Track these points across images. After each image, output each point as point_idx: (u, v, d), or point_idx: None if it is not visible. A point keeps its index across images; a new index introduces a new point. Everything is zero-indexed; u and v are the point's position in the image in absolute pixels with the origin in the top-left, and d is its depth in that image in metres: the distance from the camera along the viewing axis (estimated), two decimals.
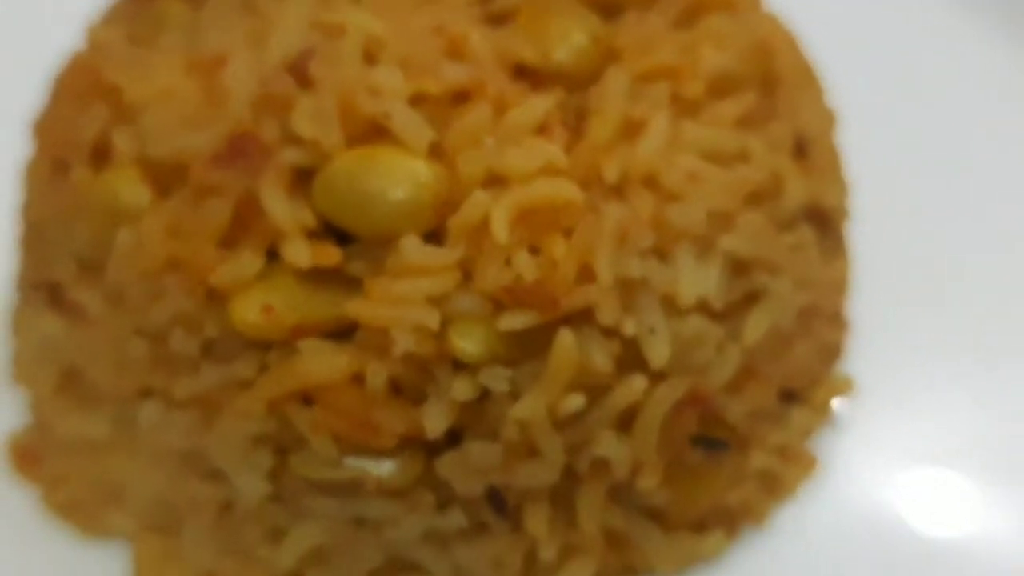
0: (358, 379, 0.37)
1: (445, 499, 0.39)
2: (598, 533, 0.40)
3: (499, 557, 0.40)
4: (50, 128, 0.44)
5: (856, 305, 0.51)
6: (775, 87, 0.44)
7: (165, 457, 0.40)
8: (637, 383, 0.38)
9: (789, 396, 0.44)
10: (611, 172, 0.39)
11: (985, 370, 0.51)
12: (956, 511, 0.47)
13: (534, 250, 0.38)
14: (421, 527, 0.39)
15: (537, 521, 0.40)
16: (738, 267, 0.40)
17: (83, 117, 0.42)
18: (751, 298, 0.41)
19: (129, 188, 0.40)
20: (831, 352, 0.47)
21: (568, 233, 0.38)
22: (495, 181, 0.38)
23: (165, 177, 0.40)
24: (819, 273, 0.44)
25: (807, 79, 0.47)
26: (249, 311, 0.37)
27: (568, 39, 0.41)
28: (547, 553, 0.40)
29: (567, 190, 0.38)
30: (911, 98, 0.57)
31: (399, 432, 0.37)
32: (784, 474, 0.45)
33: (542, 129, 0.39)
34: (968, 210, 0.55)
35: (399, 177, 0.38)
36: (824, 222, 0.45)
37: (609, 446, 0.39)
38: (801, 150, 0.43)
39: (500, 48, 0.41)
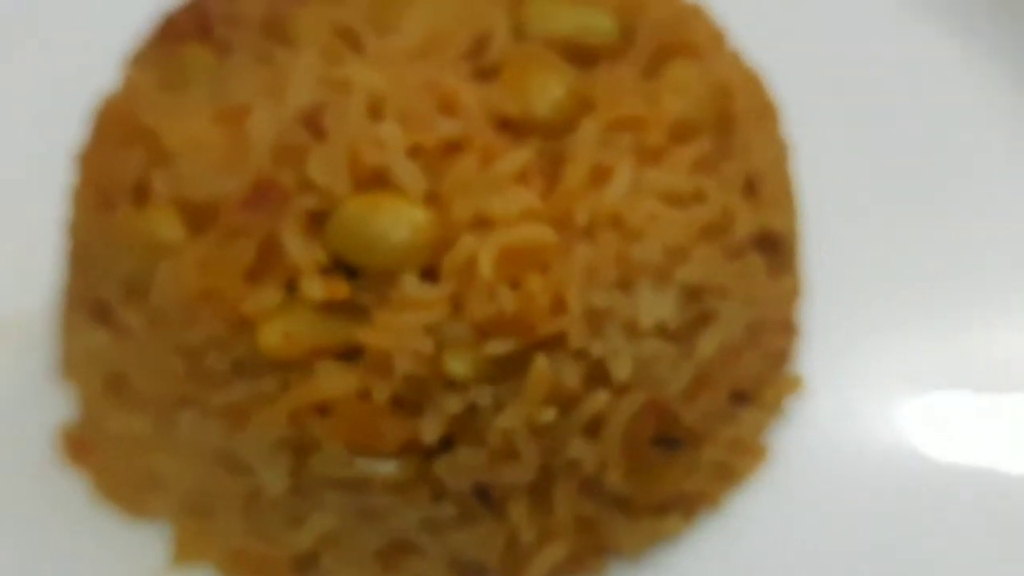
0: (365, 394, 0.44)
1: (439, 493, 0.46)
2: (570, 520, 0.47)
3: (485, 541, 0.47)
4: (95, 163, 0.50)
5: (808, 312, 0.58)
6: (730, 127, 0.50)
7: (201, 454, 0.47)
8: (602, 396, 0.45)
9: (740, 397, 0.51)
10: (582, 215, 0.45)
11: (924, 366, 0.58)
12: (897, 497, 0.54)
13: (515, 285, 0.44)
14: (419, 516, 0.46)
15: (518, 511, 0.46)
16: (691, 294, 0.47)
17: (124, 157, 0.48)
18: (703, 319, 0.47)
19: (166, 226, 0.47)
20: (779, 357, 0.54)
21: (544, 270, 0.44)
22: (482, 224, 0.44)
23: (198, 217, 0.46)
24: (766, 291, 0.50)
25: (762, 114, 0.53)
26: (272, 336, 0.44)
27: (546, 93, 0.47)
28: (527, 537, 0.47)
29: (543, 233, 0.44)
30: (862, 107, 0.63)
31: (400, 438, 0.44)
32: (736, 464, 0.52)
33: (522, 177, 0.46)
34: (917, 220, 0.61)
35: (399, 221, 0.45)
36: (773, 245, 0.51)
37: (579, 449, 0.46)
38: (751, 186, 0.49)
39: (487, 102, 0.47)
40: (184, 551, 0.50)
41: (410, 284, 0.44)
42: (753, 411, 0.52)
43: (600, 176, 0.46)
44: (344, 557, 0.47)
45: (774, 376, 0.53)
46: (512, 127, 0.47)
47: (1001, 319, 0.58)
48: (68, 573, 0.51)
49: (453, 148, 0.46)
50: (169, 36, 0.52)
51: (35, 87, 0.64)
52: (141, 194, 0.47)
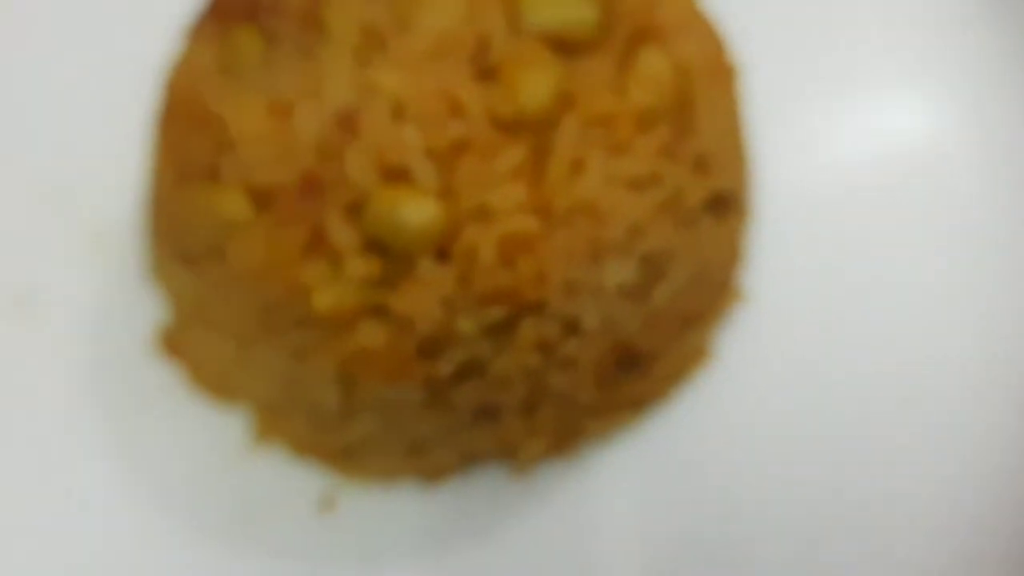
0: (394, 346, 0.57)
1: (451, 409, 0.60)
2: (550, 422, 0.62)
3: (486, 438, 0.62)
4: (171, 138, 0.62)
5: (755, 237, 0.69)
6: (688, 109, 0.61)
7: (272, 374, 0.61)
8: (574, 343, 0.59)
9: (689, 320, 0.64)
10: (561, 205, 0.57)
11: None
12: (825, 391, 0.66)
13: (508, 264, 0.57)
14: (438, 424, 0.61)
15: (510, 419, 0.61)
16: (648, 260, 0.59)
17: (197, 140, 0.60)
18: (657, 276, 0.60)
19: (236, 205, 0.59)
20: (724, 286, 0.67)
21: (531, 251, 0.57)
22: (483, 215, 0.57)
23: (259, 199, 0.58)
24: (714, 241, 0.62)
25: (719, 82, 0.63)
26: (324, 301, 0.57)
27: (536, 93, 0.58)
28: (517, 435, 0.62)
29: (530, 223, 0.57)
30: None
31: (421, 375, 0.58)
32: (684, 368, 0.66)
33: (516, 172, 0.57)
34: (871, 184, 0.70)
35: (418, 212, 0.57)
36: (722, 202, 0.63)
37: (557, 379, 0.60)
38: (702, 161, 0.61)
39: (487, 103, 0.58)
40: (262, 433, 0.65)
41: (426, 264, 0.56)
42: (700, 328, 0.65)
43: (577, 168, 0.58)
44: (380, 450, 0.62)
45: (719, 299, 0.66)
46: (507, 124, 0.58)
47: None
48: (165, 449, 0.66)
49: (460, 147, 0.57)
50: (221, 14, 0.63)
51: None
52: (212, 174, 0.60)
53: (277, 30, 0.61)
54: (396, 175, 0.57)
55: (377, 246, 0.57)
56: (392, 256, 0.57)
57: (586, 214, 0.58)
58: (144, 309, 0.69)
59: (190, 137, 0.61)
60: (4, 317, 0.69)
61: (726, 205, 0.63)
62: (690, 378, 0.66)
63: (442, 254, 0.57)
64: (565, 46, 0.60)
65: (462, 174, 0.57)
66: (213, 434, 0.66)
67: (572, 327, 0.59)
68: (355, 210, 0.57)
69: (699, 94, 0.61)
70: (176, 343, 0.67)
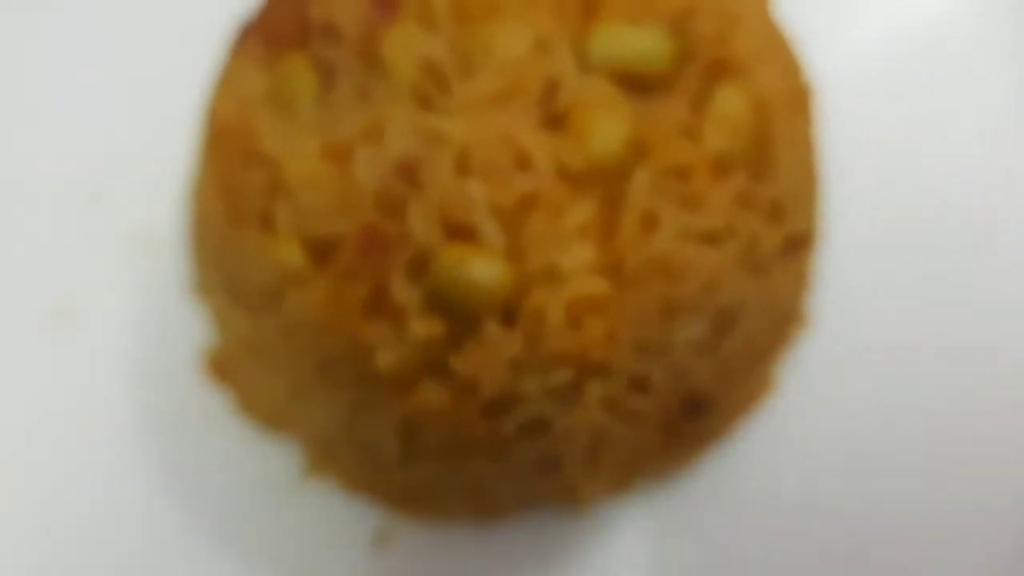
0: (458, 406, 0.56)
1: (513, 459, 0.59)
2: (612, 467, 0.61)
3: (548, 485, 0.60)
4: (221, 176, 0.59)
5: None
6: (765, 150, 0.58)
7: (328, 420, 0.60)
8: (640, 399, 0.57)
9: (755, 359, 0.62)
10: (631, 264, 0.55)
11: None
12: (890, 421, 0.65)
13: (575, 325, 0.55)
14: (499, 471, 0.59)
15: (572, 467, 0.60)
16: (721, 313, 0.57)
17: (249, 180, 0.57)
18: (729, 327, 0.58)
19: (292, 254, 0.56)
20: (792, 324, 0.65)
21: (600, 313, 0.55)
22: (551, 276, 0.54)
23: (318, 250, 0.56)
24: (785, 283, 0.60)
25: (797, 116, 0.60)
26: (386, 359, 0.55)
27: (606, 144, 0.55)
28: (576, 481, 0.61)
29: (599, 286, 0.54)
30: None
31: (483, 432, 0.57)
32: (749, 402, 0.64)
33: (585, 229, 0.54)
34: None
35: (484, 272, 0.54)
36: (794, 244, 0.60)
37: (621, 429, 0.58)
38: (778, 207, 0.58)
39: (555, 154, 0.55)
40: (315, 466, 0.64)
41: (492, 326, 0.54)
42: (766, 361, 0.64)
43: (649, 223, 0.55)
44: (438, 491, 0.61)
45: (785, 330, 0.64)
46: (577, 177, 0.55)
47: None
48: (212, 476, 0.65)
49: (527, 202, 0.54)
50: (270, 37, 0.59)
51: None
52: (267, 220, 0.57)
53: (331, 61, 0.57)
54: (461, 232, 0.55)
55: (440, 303, 0.56)
56: (456, 315, 0.55)
57: (658, 272, 0.55)
58: (189, 325, 0.67)
59: (241, 175, 0.58)
60: (42, 329, 0.68)
61: (799, 244, 0.61)
62: (754, 411, 0.65)
63: (508, 315, 0.55)
64: (637, 83, 0.57)
65: (529, 232, 0.54)
66: (262, 463, 0.65)
67: (639, 385, 0.57)
68: (418, 266, 0.55)
69: (777, 132, 0.58)
70: (224, 368, 0.66)
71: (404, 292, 0.55)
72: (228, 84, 0.60)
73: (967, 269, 0.66)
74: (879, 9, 0.70)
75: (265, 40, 0.60)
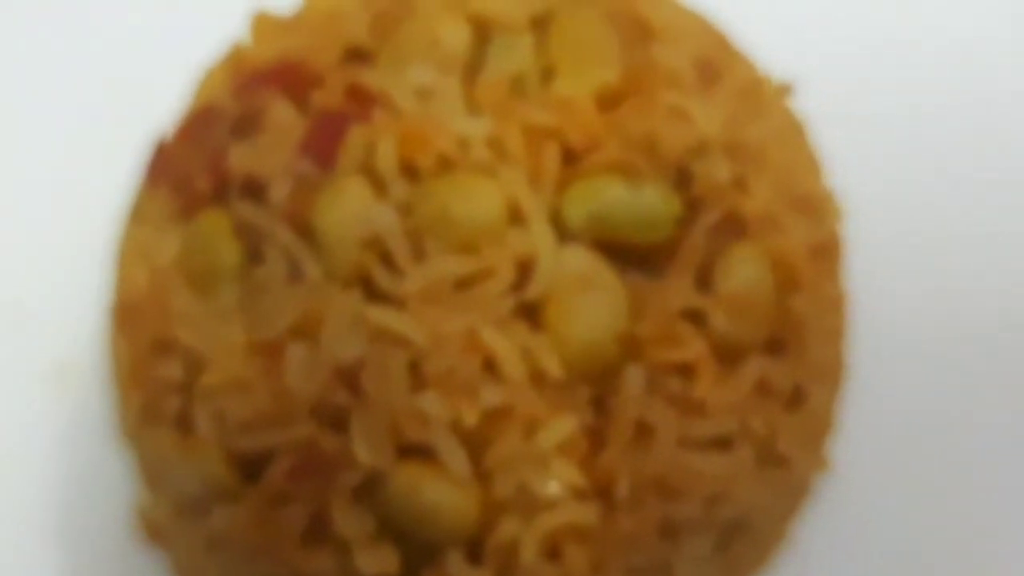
0: None
1: None
2: None
3: None
4: (134, 351, 0.49)
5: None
6: (786, 324, 0.48)
7: None
8: None
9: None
10: (623, 486, 0.45)
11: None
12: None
13: (554, 556, 0.46)
14: None
15: None
16: (730, 521, 0.48)
17: (163, 372, 0.48)
18: (740, 533, 0.49)
19: (216, 467, 0.47)
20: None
21: (584, 542, 0.46)
22: (524, 504, 0.45)
23: (246, 465, 0.47)
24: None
25: (823, 289, 0.49)
26: None
27: (592, 342, 0.45)
28: None
29: (584, 514, 0.45)
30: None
31: None
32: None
33: (566, 446, 0.45)
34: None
35: (444, 500, 0.45)
36: (804, 397, 0.51)
37: None
38: (801, 392, 0.48)
39: (529, 358, 0.45)
40: None
41: (454, 561, 0.45)
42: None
43: (643, 434, 0.46)
44: None
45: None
46: (555, 386, 0.45)
47: None
48: None
49: (495, 418, 0.45)
50: (180, 188, 0.48)
51: None
52: (185, 423, 0.48)
53: (255, 227, 0.47)
54: (415, 452, 0.46)
55: (394, 529, 0.47)
56: (413, 544, 0.47)
57: (655, 492, 0.46)
58: (118, 475, 0.59)
59: (153, 366, 0.48)
60: None
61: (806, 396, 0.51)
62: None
63: (474, 547, 0.46)
64: (631, 253, 0.47)
65: (498, 453, 0.45)
66: None
67: None
68: (365, 489, 0.46)
69: (803, 300, 0.48)
70: (158, 527, 0.57)
71: (348, 521, 0.46)
72: (138, 238, 0.50)
73: (1001, 404, 0.58)
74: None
75: (175, 189, 0.49)
